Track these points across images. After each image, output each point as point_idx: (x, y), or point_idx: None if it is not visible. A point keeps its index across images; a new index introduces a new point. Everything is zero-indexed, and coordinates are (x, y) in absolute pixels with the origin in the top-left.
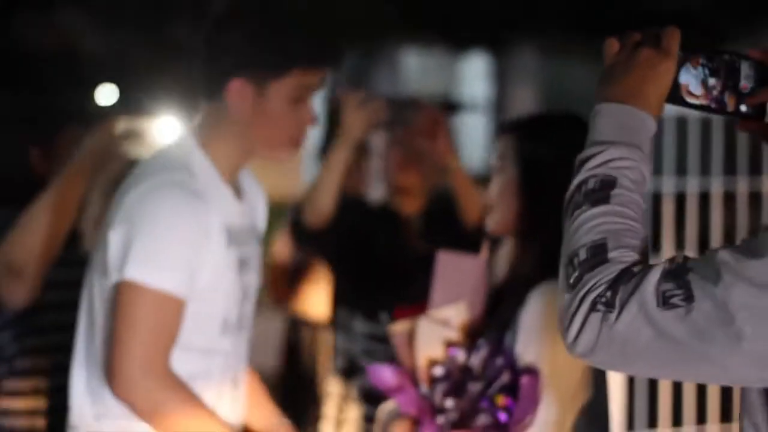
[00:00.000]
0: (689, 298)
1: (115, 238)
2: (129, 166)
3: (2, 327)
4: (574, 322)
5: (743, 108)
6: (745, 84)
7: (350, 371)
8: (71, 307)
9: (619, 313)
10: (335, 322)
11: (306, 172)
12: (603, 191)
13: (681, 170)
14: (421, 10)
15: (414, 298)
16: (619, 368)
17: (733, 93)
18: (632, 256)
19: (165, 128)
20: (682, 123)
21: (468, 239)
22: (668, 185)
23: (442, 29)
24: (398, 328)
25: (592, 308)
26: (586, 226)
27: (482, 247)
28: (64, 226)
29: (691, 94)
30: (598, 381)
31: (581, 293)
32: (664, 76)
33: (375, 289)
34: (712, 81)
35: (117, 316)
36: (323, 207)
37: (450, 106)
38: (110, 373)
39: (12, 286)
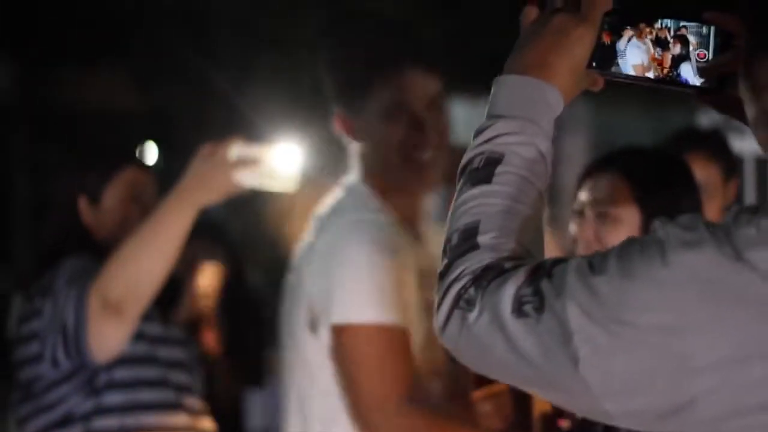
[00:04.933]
0: (540, 308)
1: (319, 285)
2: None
3: (62, 380)
4: (440, 314)
5: (699, 80)
6: (701, 53)
7: None
8: (152, 362)
9: (479, 315)
10: None
11: None
12: (486, 169)
13: None
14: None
15: None
16: (484, 374)
17: (686, 63)
18: (506, 243)
19: (281, 156)
20: None
21: None
22: None
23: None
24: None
25: (455, 304)
26: (462, 208)
27: None
28: (168, 259)
29: (631, 65)
30: None
31: (447, 283)
32: (577, 44)
33: None
34: (657, 50)
35: (347, 361)
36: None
37: None
38: (359, 417)
39: (108, 326)
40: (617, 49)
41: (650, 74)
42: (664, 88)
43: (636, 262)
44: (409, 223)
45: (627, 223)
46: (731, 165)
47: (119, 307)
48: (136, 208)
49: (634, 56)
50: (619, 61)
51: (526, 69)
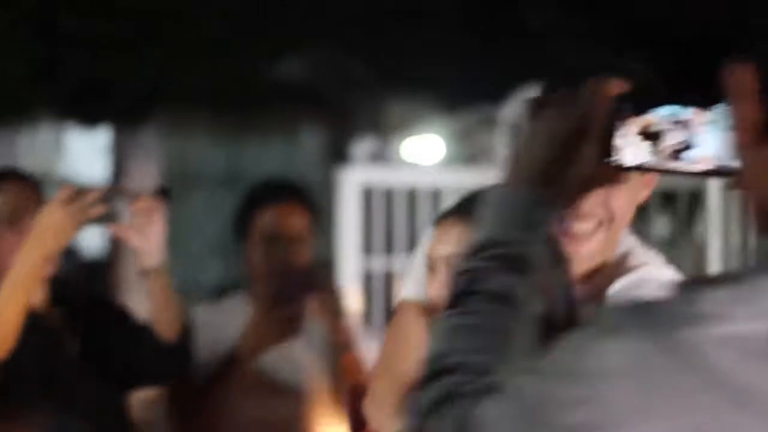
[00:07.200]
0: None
1: None
2: None
3: None
4: None
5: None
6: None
7: None
8: None
9: None
10: None
11: None
12: (465, 288)
13: None
14: (38, 85)
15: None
16: None
17: (711, 147)
18: (472, 366)
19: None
20: None
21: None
22: None
23: (55, 105)
24: None
25: None
26: (437, 330)
27: None
28: None
29: (656, 155)
30: None
31: (410, 413)
32: (566, 143)
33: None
34: (679, 138)
35: None
36: (8, 333)
37: (165, 194)
38: None
39: None
40: (621, 141)
41: (668, 165)
42: (707, 177)
43: (562, 356)
44: None
45: None
46: (318, 215)
47: None
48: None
49: (670, 139)
50: (647, 151)
51: (512, 177)
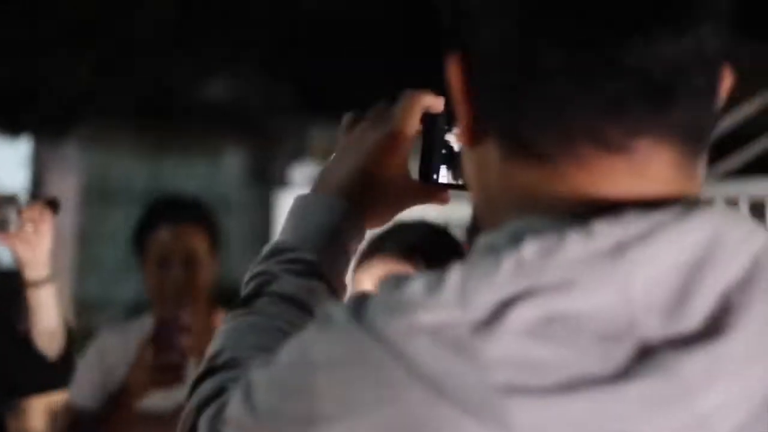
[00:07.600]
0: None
1: None
2: None
3: None
4: None
5: None
6: None
7: None
8: None
9: None
10: None
11: None
12: (253, 291)
13: None
14: None
15: None
16: None
17: None
18: (246, 362)
19: None
20: None
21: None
22: None
23: None
24: None
25: None
26: (218, 333)
27: None
28: None
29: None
30: None
31: (184, 412)
32: (365, 154)
33: None
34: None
35: None
36: None
37: (53, 204)
38: None
39: None
40: (446, 155)
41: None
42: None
43: (287, 348)
44: None
45: None
46: (219, 236)
47: None
48: None
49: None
50: (453, 168)
51: (317, 186)
